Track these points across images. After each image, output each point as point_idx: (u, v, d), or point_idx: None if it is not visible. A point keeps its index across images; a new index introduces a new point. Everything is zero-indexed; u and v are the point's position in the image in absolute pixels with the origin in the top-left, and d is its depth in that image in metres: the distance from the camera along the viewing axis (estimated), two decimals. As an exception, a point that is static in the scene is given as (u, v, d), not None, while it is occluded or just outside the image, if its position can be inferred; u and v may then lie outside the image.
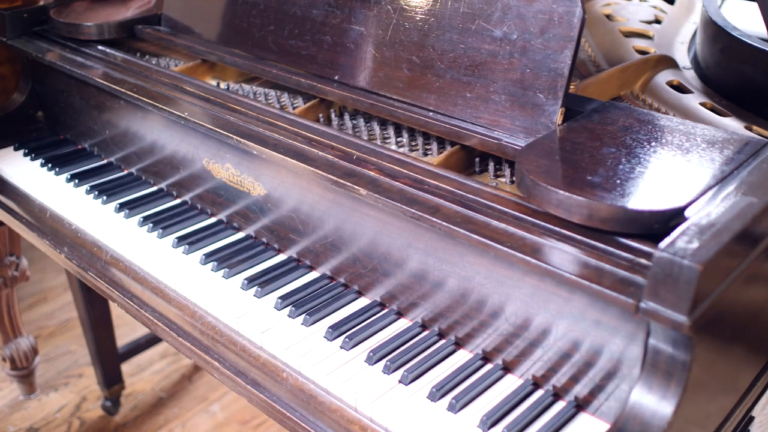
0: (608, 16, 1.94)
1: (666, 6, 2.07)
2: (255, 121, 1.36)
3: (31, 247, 2.79)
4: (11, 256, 2.17)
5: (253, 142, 1.31)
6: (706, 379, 0.97)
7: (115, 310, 2.43)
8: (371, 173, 1.18)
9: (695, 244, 0.86)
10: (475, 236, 1.03)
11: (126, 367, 2.57)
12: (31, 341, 2.36)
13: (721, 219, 0.91)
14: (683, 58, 1.76)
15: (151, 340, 2.56)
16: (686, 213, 0.95)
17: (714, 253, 0.85)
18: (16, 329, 2.33)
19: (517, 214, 1.05)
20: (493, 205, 1.08)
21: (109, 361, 2.40)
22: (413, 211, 1.10)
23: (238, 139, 1.33)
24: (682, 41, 1.88)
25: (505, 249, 1.01)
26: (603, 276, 0.94)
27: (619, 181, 1.01)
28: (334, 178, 1.19)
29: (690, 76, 1.67)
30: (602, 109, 1.23)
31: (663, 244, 0.87)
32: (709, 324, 0.91)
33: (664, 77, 1.62)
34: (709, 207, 0.94)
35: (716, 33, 1.61)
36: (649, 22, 1.95)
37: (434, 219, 1.07)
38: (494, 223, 1.05)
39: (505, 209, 1.06)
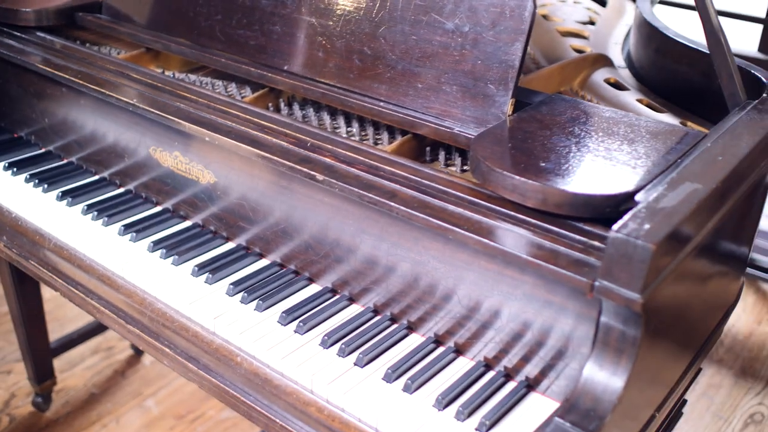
0: (545, 16, 1.99)
1: (598, 8, 2.14)
2: (206, 109, 1.36)
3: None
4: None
5: (207, 129, 1.31)
6: (643, 369, 1.01)
7: (45, 305, 2.37)
8: (327, 159, 1.19)
9: (647, 226, 0.90)
10: (434, 220, 1.06)
11: (57, 363, 2.51)
12: (-43, 337, 2.29)
13: (669, 203, 0.96)
14: (618, 58, 1.83)
15: (83, 335, 2.50)
16: (636, 198, 1.00)
17: (665, 234, 0.90)
18: (-59, 324, 2.26)
19: (473, 198, 1.08)
20: (449, 190, 1.10)
21: (40, 355, 2.34)
22: (370, 195, 1.12)
23: (191, 126, 1.33)
24: (615, 42, 1.94)
25: (463, 232, 1.03)
26: (558, 257, 0.97)
27: (570, 168, 1.05)
28: (290, 164, 1.20)
29: (625, 75, 1.73)
30: (550, 101, 1.27)
31: (617, 225, 0.91)
32: (650, 311, 0.95)
33: (601, 75, 1.68)
34: (657, 192, 0.98)
35: (651, 34, 1.67)
36: (584, 23, 2.02)
37: (392, 204, 1.10)
38: (451, 207, 1.07)
39: (460, 194, 1.09)
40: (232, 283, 1.29)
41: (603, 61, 1.73)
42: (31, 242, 1.51)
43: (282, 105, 1.48)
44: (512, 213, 1.04)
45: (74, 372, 2.56)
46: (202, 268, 1.33)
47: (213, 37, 1.54)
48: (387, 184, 1.13)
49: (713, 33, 1.26)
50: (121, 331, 1.36)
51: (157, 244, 1.40)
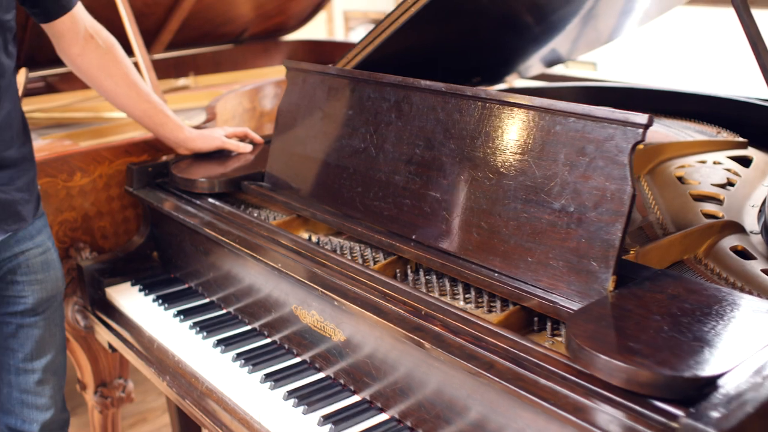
0: (680, 179, 2.01)
1: (740, 169, 2.14)
2: (339, 275, 1.53)
3: (135, 369, 2.98)
4: (120, 378, 2.37)
5: (337, 294, 1.47)
6: None
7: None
8: (436, 328, 1.31)
9: (718, 413, 0.95)
10: (523, 392, 1.14)
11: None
12: (129, 462, 2.52)
13: (750, 390, 1.00)
14: (752, 223, 1.82)
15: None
16: (720, 382, 1.03)
17: (737, 422, 0.94)
18: (117, 449, 2.50)
19: (564, 374, 1.16)
20: (543, 364, 1.19)
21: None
22: (470, 366, 1.22)
23: (323, 291, 1.49)
24: (753, 204, 1.93)
25: (549, 406, 1.11)
26: (635, 437, 1.03)
27: (658, 349, 1.10)
28: (403, 332, 1.33)
29: (756, 241, 1.73)
30: (654, 278, 1.33)
31: (688, 411, 0.96)
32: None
33: (728, 242, 1.69)
34: (741, 378, 1.02)
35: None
36: (722, 186, 2.02)
37: (488, 374, 1.19)
38: (542, 381, 1.15)
39: (552, 369, 1.17)
40: (353, 437, 1.41)
41: (732, 227, 1.74)
42: (188, 383, 1.71)
43: (409, 272, 1.62)
44: (599, 390, 1.11)
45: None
46: (327, 418, 1.47)
47: (354, 207, 1.73)
48: (487, 354, 1.23)
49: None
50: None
51: (291, 394, 1.55)
